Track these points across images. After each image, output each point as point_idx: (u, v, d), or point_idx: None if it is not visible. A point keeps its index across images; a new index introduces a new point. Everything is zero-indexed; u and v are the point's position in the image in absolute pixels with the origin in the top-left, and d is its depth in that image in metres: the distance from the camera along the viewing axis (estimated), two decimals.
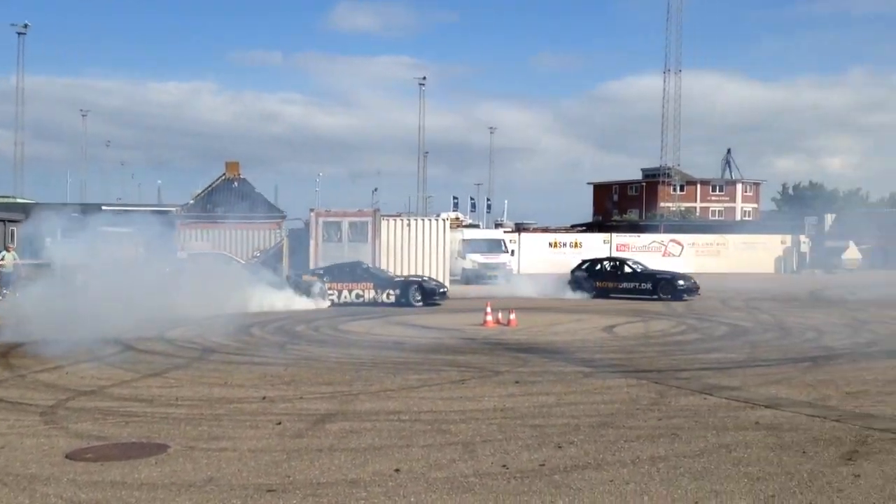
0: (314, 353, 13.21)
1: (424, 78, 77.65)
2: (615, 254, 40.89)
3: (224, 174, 41.44)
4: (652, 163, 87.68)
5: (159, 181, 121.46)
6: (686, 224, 61.55)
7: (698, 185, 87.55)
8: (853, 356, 12.87)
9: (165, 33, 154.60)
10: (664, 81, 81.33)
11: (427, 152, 78.22)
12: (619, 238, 45.63)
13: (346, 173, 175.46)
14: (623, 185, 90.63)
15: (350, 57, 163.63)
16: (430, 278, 24.70)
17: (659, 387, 10.02)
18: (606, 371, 11.26)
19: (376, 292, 22.59)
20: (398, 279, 23.63)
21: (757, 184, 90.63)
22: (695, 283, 25.43)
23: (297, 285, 22.49)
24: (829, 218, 55.02)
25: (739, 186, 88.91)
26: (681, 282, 25.25)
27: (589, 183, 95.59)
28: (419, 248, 27.59)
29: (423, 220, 29.47)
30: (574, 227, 61.81)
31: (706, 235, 48.74)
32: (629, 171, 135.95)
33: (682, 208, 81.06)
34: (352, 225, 26.77)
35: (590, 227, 62.29)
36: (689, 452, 6.90)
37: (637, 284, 25.67)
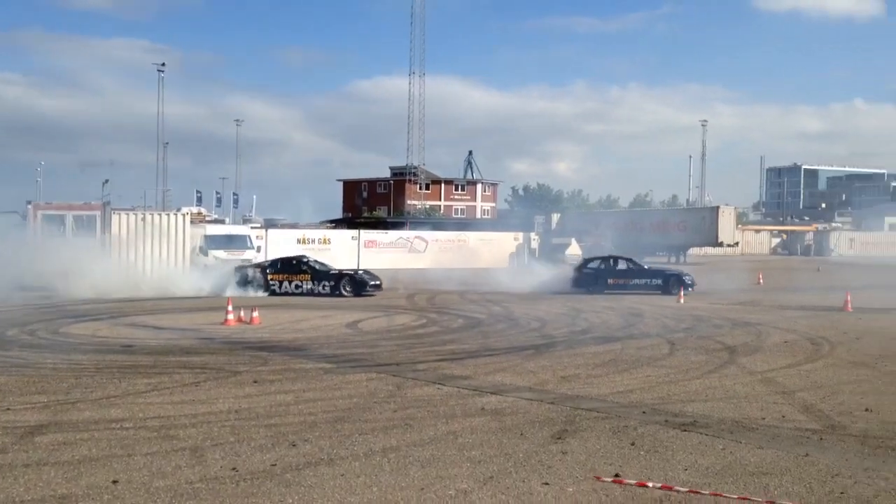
0: (28, 360, 11.94)
1: (163, 64, 73.19)
2: (363, 250, 41.53)
3: None
4: (400, 162, 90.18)
5: None
6: (430, 221, 63.98)
7: (442, 185, 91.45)
8: (570, 343, 14.15)
9: None
10: (410, 83, 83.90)
11: (167, 143, 73.77)
12: (367, 234, 46.32)
13: (74, 162, 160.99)
14: (372, 183, 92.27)
15: (80, 37, 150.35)
16: (364, 271, 26.26)
17: (397, 379, 10.31)
18: (347, 366, 11.37)
19: (313, 283, 24.31)
20: (333, 272, 25.13)
21: (495, 184, 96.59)
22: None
23: (242, 276, 24.12)
24: (555, 217, 60.14)
25: (479, 186, 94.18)
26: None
27: (339, 180, 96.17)
28: (156, 243, 25.99)
29: (160, 214, 27.79)
30: (323, 224, 61.78)
31: (449, 232, 51.04)
32: (378, 169, 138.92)
33: (428, 206, 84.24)
34: (77, 219, 24.58)
35: (339, 224, 62.60)
36: (420, 441, 7.18)
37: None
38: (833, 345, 13.77)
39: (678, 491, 5.79)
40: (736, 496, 5.68)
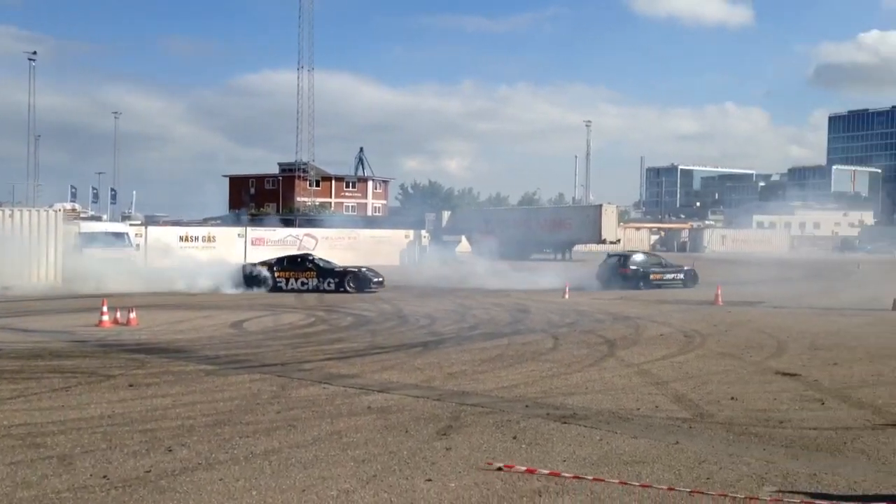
0: None
1: (35, 52, 69.26)
2: (250, 248, 40.62)
3: None
4: (289, 158, 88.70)
5: None
6: (320, 218, 63.24)
7: (333, 182, 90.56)
8: (458, 339, 14.31)
9: None
10: (298, 78, 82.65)
11: (39, 136, 69.89)
12: (254, 232, 45.29)
13: None
14: (260, 179, 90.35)
15: None
16: (367, 269, 26.49)
17: (282, 380, 10.13)
18: (230, 368, 11.08)
19: (319, 280, 25.26)
20: (338, 269, 26.01)
21: (386, 181, 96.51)
22: None
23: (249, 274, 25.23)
24: (446, 214, 60.64)
25: (370, 184, 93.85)
26: None
27: (225, 175, 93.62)
28: (24, 241, 24.50)
29: (29, 210, 26.25)
30: (208, 221, 59.99)
31: (339, 230, 50.59)
32: (267, 165, 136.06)
33: (318, 203, 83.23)
34: None
35: (225, 221, 60.92)
36: (303, 442, 7.08)
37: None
38: (704, 337, 14.50)
39: (564, 476, 5.95)
40: (617, 481, 5.89)
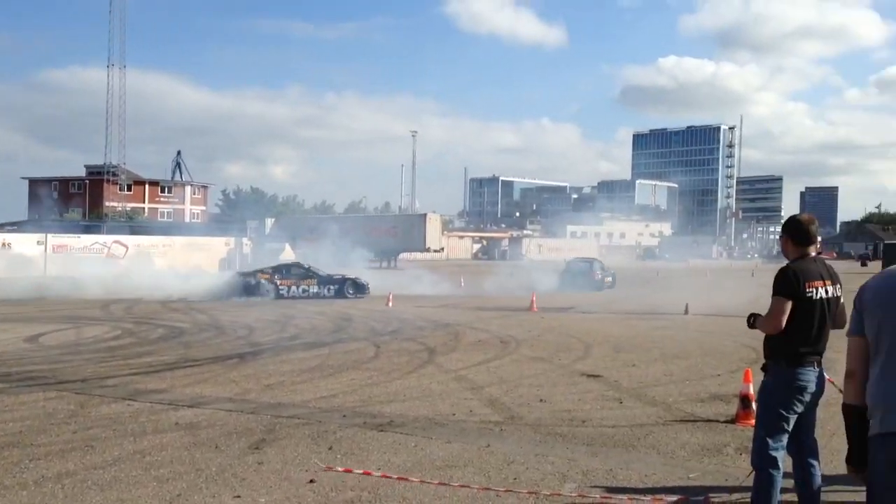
0: None
1: None
2: (50, 255, 37.64)
3: None
4: (97, 160, 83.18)
5: None
6: (132, 225, 59.83)
7: (147, 186, 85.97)
8: (277, 350, 13.99)
9: None
10: (108, 76, 77.78)
11: None
12: (56, 239, 41.98)
13: None
14: (64, 182, 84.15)
15: None
16: (357, 277, 28.33)
17: (81, 397, 9.44)
18: (22, 386, 10.18)
19: (319, 287, 26.97)
20: (337, 276, 27.84)
21: (205, 187, 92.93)
22: None
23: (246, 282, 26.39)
24: (269, 222, 59.29)
25: (188, 189, 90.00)
26: None
27: (24, 178, 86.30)
28: None
29: None
30: (4, 227, 55.02)
31: (153, 237, 48.04)
32: (74, 167, 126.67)
33: (130, 208, 78.65)
34: None
35: (22, 227, 56.10)
36: (102, 463, 6.63)
37: None
38: (519, 342, 15.10)
39: (385, 477, 5.95)
40: (436, 482, 5.98)
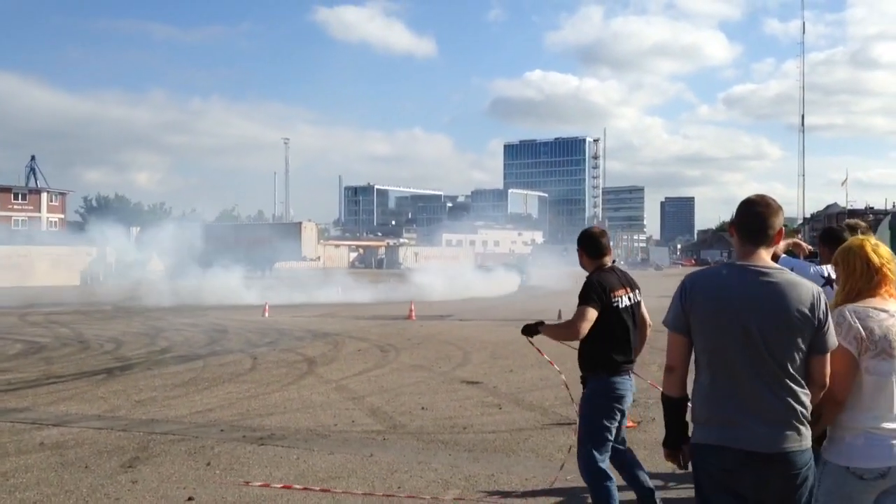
0: None
1: None
2: None
3: None
4: None
5: None
6: None
7: None
8: (148, 364, 13.45)
9: None
10: None
11: None
12: None
13: None
14: None
15: None
16: None
17: None
18: None
19: None
20: None
21: (64, 194, 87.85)
22: None
23: None
24: (135, 230, 56.78)
25: (45, 196, 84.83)
26: None
27: None
28: None
29: None
30: None
31: (6, 247, 45.03)
32: None
33: None
34: None
35: None
36: None
37: None
38: (398, 351, 15.17)
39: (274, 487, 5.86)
40: (318, 488, 5.94)
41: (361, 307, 27.69)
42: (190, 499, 6.01)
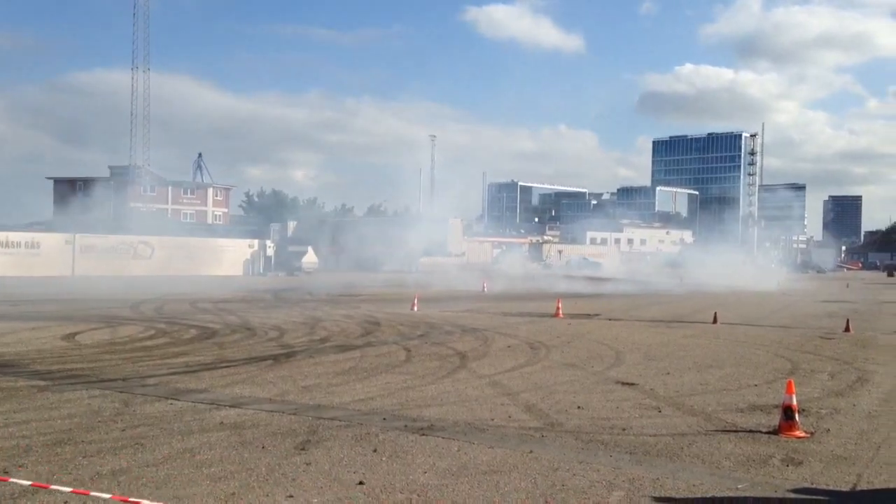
0: None
1: None
2: (78, 256, 38.25)
3: None
4: (122, 161, 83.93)
5: None
6: (157, 226, 60.37)
7: (170, 188, 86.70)
8: (309, 352, 14.10)
9: None
10: (132, 78, 78.32)
11: None
12: (83, 239, 42.53)
13: None
14: (89, 183, 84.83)
15: None
16: None
17: (124, 395, 9.59)
18: (65, 383, 10.36)
19: None
20: None
21: (227, 189, 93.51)
22: None
23: None
24: (292, 225, 59.63)
25: (211, 191, 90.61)
26: None
27: (49, 178, 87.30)
28: None
29: None
30: (32, 226, 55.73)
31: (178, 238, 48.49)
32: (98, 167, 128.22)
33: (155, 210, 79.34)
34: None
35: (49, 226, 56.81)
36: (153, 461, 6.74)
37: None
38: (549, 348, 15.11)
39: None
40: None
41: (507, 303, 27.73)
42: (361, 483, 6.25)
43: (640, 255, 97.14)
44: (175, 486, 6.08)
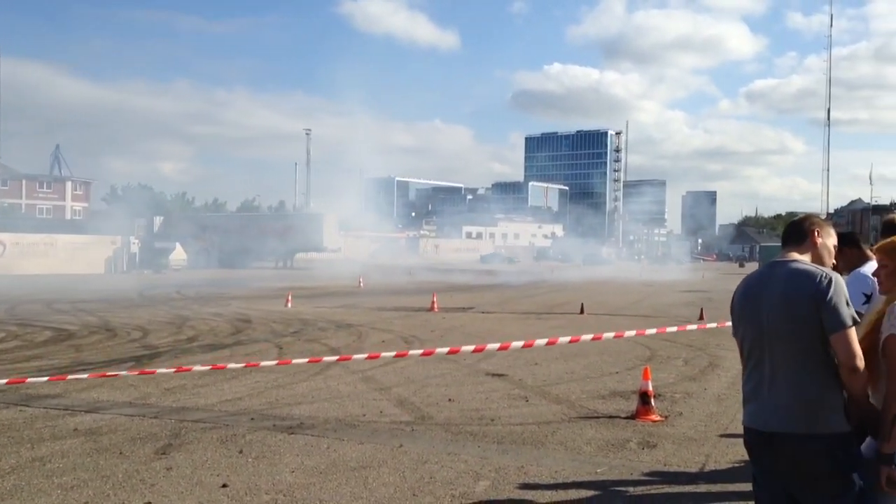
0: None
1: None
2: None
3: None
4: None
5: None
6: (9, 222, 56.51)
7: (24, 181, 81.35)
8: (175, 352, 13.60)
9: None
10: None
11: None
12: None
13: None
14: None
15: None
16: None
17: None
18: None
19: None
20: None
21: (88, 183, 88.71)
22: None
23: None
24: (158, 220, 57.26)
25: (69, 184, 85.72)
26: None
27: None
28: None
29: None
30: None
31: (32, 235, 45.59)
32: None
33: (6, 204, 74.23)
34: None
35: None
36: (0, 472, 6.32)
37: None
38: (422, 342, 15.22)
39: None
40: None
41: (382, 297, 27.75)
42: (224, 485, 6.09)
43: (514, 249, 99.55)
44: (23, 496, 5.72)
